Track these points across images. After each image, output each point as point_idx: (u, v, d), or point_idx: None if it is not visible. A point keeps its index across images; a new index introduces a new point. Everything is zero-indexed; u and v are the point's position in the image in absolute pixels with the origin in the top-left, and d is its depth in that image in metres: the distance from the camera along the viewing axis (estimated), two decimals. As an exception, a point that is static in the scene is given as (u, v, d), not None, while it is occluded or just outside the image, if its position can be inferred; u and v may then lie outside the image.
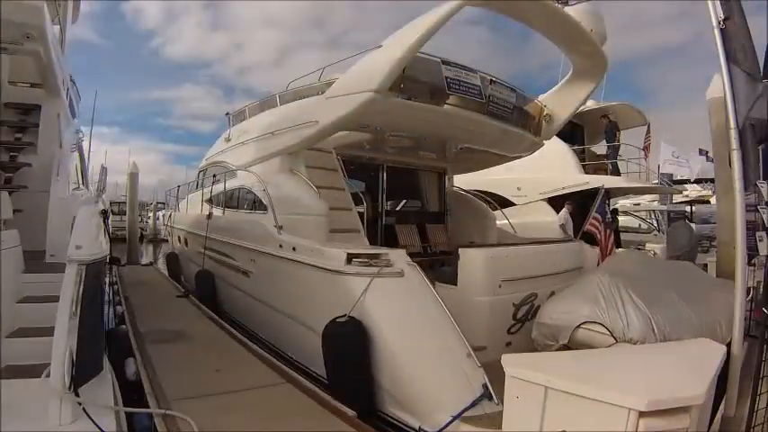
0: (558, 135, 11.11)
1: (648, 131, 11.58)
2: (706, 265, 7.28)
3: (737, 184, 3.32)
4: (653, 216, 14.17)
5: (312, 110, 5.47)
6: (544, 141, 6.88)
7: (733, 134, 3.41)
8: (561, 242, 6.06)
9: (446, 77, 4.85)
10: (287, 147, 5.84)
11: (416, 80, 4.82)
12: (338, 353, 3.57)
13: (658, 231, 13.30)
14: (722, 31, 3.43)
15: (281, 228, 5.11)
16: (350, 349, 3.49)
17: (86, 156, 9.34)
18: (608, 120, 11.49)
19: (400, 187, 7.50)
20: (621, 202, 15.24)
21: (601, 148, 12.39)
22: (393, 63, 4.29)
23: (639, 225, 13.81)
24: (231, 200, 7.39)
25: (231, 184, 7.42)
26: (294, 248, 4.67)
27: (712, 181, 12.04)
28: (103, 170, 4.71)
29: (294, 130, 5.69)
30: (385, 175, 6.84)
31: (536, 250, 5.06)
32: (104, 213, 4.79)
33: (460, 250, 4.37)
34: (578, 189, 9.93)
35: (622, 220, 15.45)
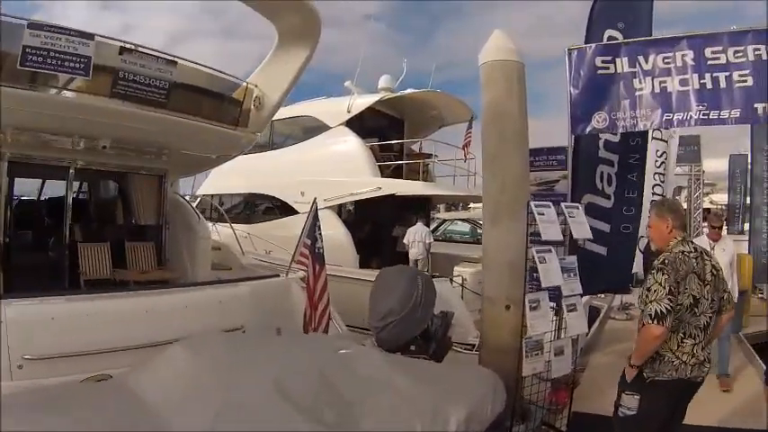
0: (359, 130, 9.45)
1: (470, 127, 10.00)
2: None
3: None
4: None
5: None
6: (257, 134, 5.85)
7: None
8: (244, 281, 4.81)
9: (25, 47, 3.71)
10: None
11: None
12: None
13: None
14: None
15: None
16: None
17: None
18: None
19: (103, 196, 6.52)
20: (473, 205, 14.39)
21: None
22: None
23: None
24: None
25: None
26: None
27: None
28: None
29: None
30: (72, 180, 5.60)
31: (106, 306, 3.57)
32: None
33: None
34: (368, 196, 8.88)
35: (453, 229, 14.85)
